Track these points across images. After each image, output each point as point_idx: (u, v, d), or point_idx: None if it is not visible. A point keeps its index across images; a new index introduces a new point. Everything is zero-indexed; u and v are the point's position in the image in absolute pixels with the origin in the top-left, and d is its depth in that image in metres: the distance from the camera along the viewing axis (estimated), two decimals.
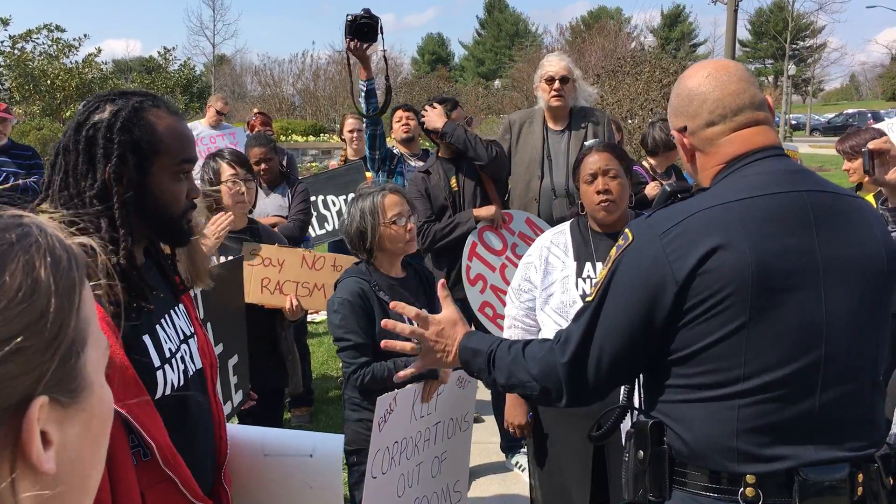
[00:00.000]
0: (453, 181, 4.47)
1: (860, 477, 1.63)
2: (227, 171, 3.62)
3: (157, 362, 1.66)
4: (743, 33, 53.01)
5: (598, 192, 2.94)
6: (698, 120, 1.78)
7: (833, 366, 1.62)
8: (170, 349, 1.72)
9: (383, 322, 2.11)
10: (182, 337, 1.80)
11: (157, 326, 1.71)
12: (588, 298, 1.79)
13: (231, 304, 3.16)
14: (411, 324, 2.08)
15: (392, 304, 2.14)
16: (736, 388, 1.61)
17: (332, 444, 2.11)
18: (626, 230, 1.75)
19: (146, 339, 1.65)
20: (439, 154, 4.59)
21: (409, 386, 2.95)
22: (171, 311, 1.79)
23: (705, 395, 1.64)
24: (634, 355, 1.72)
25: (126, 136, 1.59)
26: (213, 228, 3.44)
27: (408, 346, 2.07)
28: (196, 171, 5.53)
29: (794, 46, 50.02)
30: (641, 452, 1.74)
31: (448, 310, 2.05)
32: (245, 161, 3.73)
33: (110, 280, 1.49)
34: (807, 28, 53.77)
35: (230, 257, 3.54)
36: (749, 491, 1.61)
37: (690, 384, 1.66)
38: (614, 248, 1.77)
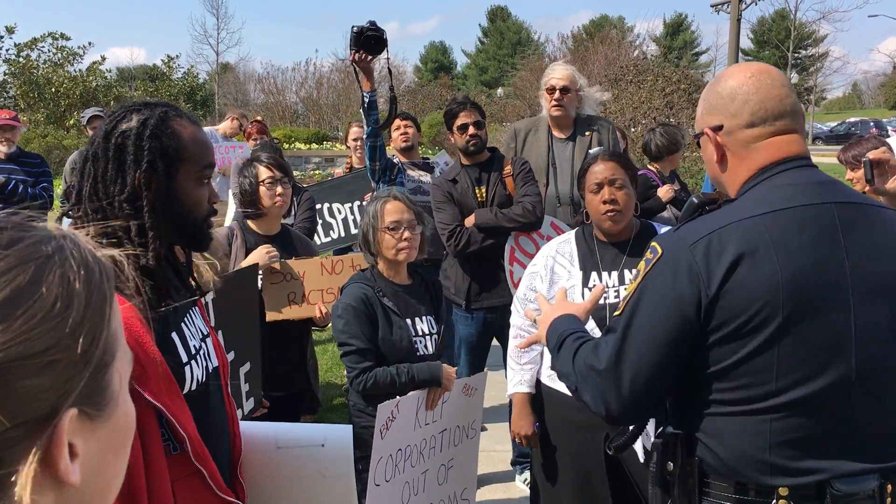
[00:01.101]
0: (479, 190, 4.43)
1: (889, 488, 1.64)
2: (264, 173, 3.69)
3: (184, 358, 1.72)
4: (745, 42, 53.03)
5: (604, 202, 2.94)
6: (738, 119, 1.75)
7: (862, 379, 1.62)
8: (194, 346, 1.78)
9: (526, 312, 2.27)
10: (201, 335, 1.87)
11: (182, 324, 1.77)
12: (616, 313, 1.77)
13: (243, 312, 3.18)
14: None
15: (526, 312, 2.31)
16: (768, 402, 1.61)
17: (342, 433, 2.16)
18: (654, 244, 1.73)
19: (174, 336, 1.71)
20: (463, 162, 4.54)
21: (411, 393, 2.96)
22: (191, 310, 1.87)
23: (738, 409, 1.64)
24: (672, 368, 1.69)
25: (156, 142, 1.67)
26: (263, 254, 3.58)
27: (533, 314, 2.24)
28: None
29: (796, 55, 50.08)
30: (671, 464, 1.74)
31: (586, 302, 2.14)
32: (282, 165, 3.81)
33: (141, 282, 1.56)
34: (809, 37, 53.79)
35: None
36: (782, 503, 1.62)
37: (723, 399, 1.66)
38: (642, 261, 1.76)
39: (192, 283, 1.92)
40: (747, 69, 1.81)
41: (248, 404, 3.13)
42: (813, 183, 1.71)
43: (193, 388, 1.73)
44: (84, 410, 0.71)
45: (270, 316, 3.59)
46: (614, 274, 2.95)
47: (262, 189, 3.66)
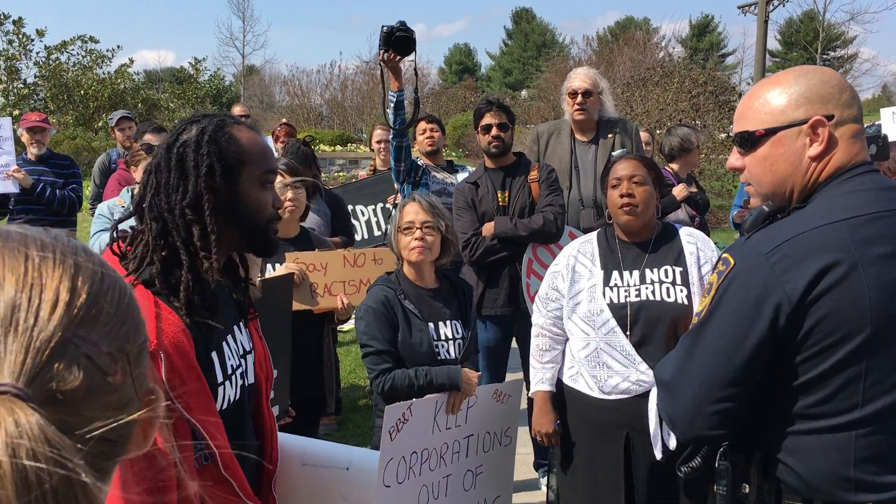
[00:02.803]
0: (501, 194, 4.41)
1: None
2: (276, 178, 3.70)
3: (220, 378, 1.75)
4: (773, 43, 52.45)
5: (621, 196, 2.97)
6: (850, 112, 1.67)
7: None
8: (232, 365, 1.80)
9: None
10: (242, 352, 1.88)
11: (224, 343, 1.79)
12: (691, 327, 1.75)
13: (276, 320, 3.18)
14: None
15: None
16: (854, 415, 1.57)
17: (368, 459, 2.13)
18: (726, 255, 1.68)
19: (213, 355, 1.73)
20: (487, 165, 4.53)
21: (428, 396, 2.95)
22: (235, 327, 1.88)
23: (822, 424, 1.60)
24: (745, 384, 1.64)
25: (213, 147, 1.71)
26: (285, 270, 3.60)
27: None
28: None
29: (824, 57, 49.44)
30: (747, 486, 1.70)
31: None
32: (297, 170, 3.83)
33: (191, 293, 1.62)
34: (838, 38, 53.11)
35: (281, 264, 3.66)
36: None
37: (806, 414, 1.62)
38: (714, 273, 1.71)
39: (246, 300, 1.94)
40: (828, 69, 1.76)
41: (273, 412, 3.11)
42: (886, 188, 1.67)
43: (224, 407, 1.75)
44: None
45: (294, 305, 3.61)
46: (635, 273, 2.96)
47: None
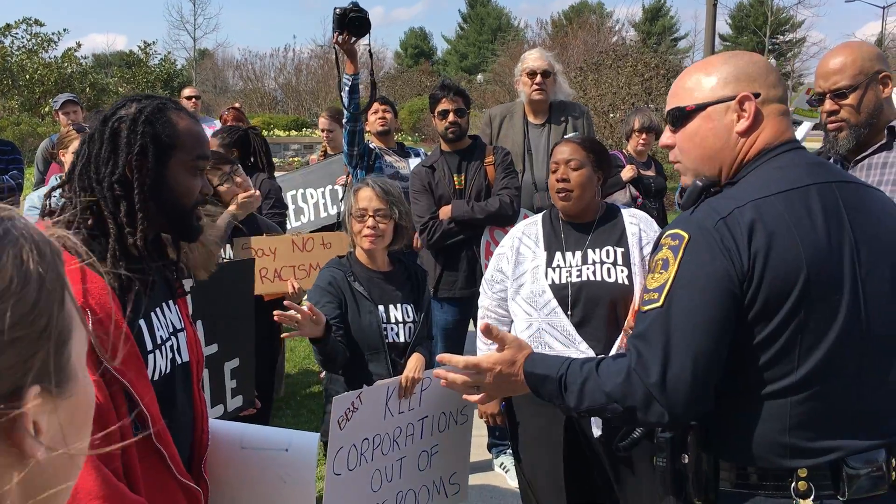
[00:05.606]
0: (458, 178, 4.41)
1: (894, 462, 1.66)
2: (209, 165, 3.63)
3: (149, 346, 1.76)
4: (723, 27, 53.07)
5: (557, 181, 3.01)
6: (775, 91, 1.78)
7: (873, 356, 1.64)
8: (161, 336, 1.82)
9: (434, 372, 2.06)
10: (172, 329, 1.90)
11: (152, 314, 1.81)
12: (653, 306, 1.67)
13: (236, 307, 3.11)
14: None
15: (435, 373, 2.06)
16: (789, 382, 1.61)
17: (306, 440, 2.15)
18: (676, 230, 1.69)
19: (142, 322, 1.75)
20: (443, 149, 4.52)
21: (378, 383, 2.93)
22: (165, 303, 1.90)
23: (758, 392, 1.64)
24: (724, 351, 1.63)
25: (149, 128, 1.73)
26: (233, 209, 3.56)
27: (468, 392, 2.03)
28: None
29: (774, 41, 50.27)
30: (686, 457, 1.74)
31: (507, 350, 1.94)
32: (225, 157, 3.75)
33: (117, 262, 1.63)
34: (787, 22, 54.05)
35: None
36: (801, 485, 1.63)
37: (743, 384, 1.66)
38: (666, 248, 1.69)
39: (175, 279, 1.95)
40: (756, 54, 1.85)
41: (235, 402, 3.04)
42: (813, 164, 1.75)
43: (155, 378, 1.76)
44: (46, 387, 0.71)
45: None
46: (578, 254, 2.99)
47: (221, 189, 3.60)
